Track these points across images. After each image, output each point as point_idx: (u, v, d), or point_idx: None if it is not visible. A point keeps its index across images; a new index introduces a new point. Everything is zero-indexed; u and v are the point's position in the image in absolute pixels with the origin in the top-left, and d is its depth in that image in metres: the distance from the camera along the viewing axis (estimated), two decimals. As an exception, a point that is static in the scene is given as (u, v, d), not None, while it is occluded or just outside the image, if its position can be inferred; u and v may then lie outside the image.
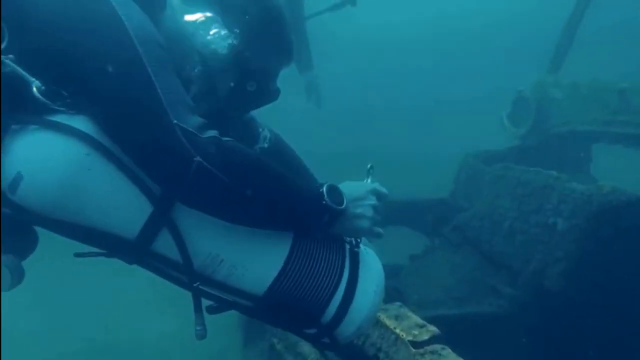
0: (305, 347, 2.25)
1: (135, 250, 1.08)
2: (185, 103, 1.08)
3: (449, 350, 1.60)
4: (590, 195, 2.58)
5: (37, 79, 1.01)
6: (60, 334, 5.04)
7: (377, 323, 1.81)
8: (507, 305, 2.97)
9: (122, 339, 4.98)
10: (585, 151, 3.71)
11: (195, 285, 1.11)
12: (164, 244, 1.07)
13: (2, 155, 1.03)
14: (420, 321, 1.76)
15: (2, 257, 1.07)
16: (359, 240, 1.23)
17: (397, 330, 1.72)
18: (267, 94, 1.31)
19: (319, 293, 1.13)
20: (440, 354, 1.59)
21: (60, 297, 5.50)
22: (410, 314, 1.81)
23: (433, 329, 1.71)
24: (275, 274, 1.11)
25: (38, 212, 1.03)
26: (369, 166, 1.31)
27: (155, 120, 1.02)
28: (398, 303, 1.89)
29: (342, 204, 1.15)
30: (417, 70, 10.18)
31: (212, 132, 1.06)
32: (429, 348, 1.62)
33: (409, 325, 1.74)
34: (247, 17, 1.21)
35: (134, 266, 1.12)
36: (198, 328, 1.18)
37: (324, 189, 1.14)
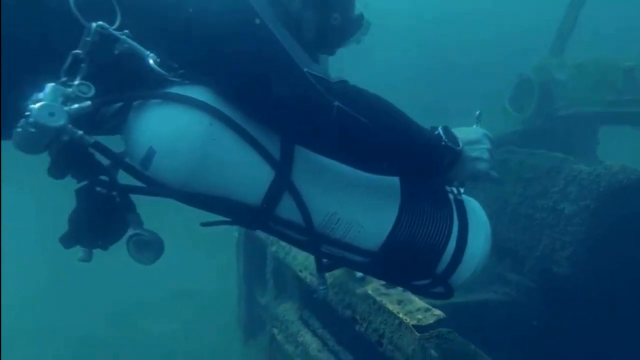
0: (307, 337, 2.17)
1: (259, 215, 1.09)
2: (304, 52, 1.10)
3: (456, 334, 1.52)
4: (599, 175, 2.49)
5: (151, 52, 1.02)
6: (61, 330, 5.00)
7: (380, 308, 1.74)
8: (513, 292, 2.89)
9: (124, 337, 4.94)
10: (592, 134, 3.61)
11: (316, 246, 1.14)
12: (286, 208, 1.09)
13: (129, 131, 1.04)
14: (425, 305, 1.67)
15: (143, 232, 1.09)
16: (461, 189, 1.23)
17: (401, 315, 1.64)
18: (353, 22, 1.31)
19: (433, 243, 1.15)
20: (446, 338, 1.50)
21: (64, 292, 5.46)
22: (413, 297, 1.73)
23: (438, 312, 1.63)
24: (389, 228, 1.14)
25: (170, 185, 1.04)
26: (477, 113, 1.30)
27: (289, 72, 1.04)
28: (400, 288, 1.81)
29: (458, 145, 1.15)
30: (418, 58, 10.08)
31: (337, 77, 1.09)
32: (435, 332, 1.54)
33: (413, 309, 1.66)
34: None
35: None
36: (321, 287, 1.20)
37: (440, 130, 1.14)
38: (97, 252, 1.14)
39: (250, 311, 2.85)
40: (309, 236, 1.12)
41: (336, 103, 1.05)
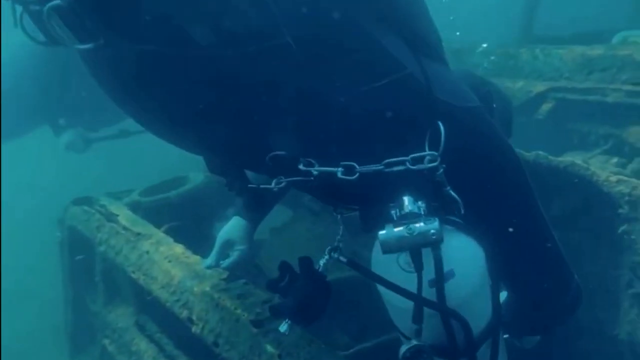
0: (142, 344, 1.93)
1: (470, 348, 1.20)
2: None
3: (294, 326, 1.45)
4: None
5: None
6: None
7: (218, 305, 1.60)
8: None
9: None
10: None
11: None
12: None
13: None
14: (266, 296, 1.58)
15: (421, 343, 1.17)
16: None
17: (238, 311, 1.52)
18: None
19: None
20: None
21: None
22: (255, 290, 1.63)
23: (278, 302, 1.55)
24: None
25: (450, 302, 1.14)
26: None
27: (548, 240, 1.30)
28: (242, 280, 1.70)
29: None
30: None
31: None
32: (272, 326, 1.46)
33: (252, 303, 1.56)
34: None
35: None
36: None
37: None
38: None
39: (78, 319, 2.46)
40: None
41: (576, 277, 1.35)
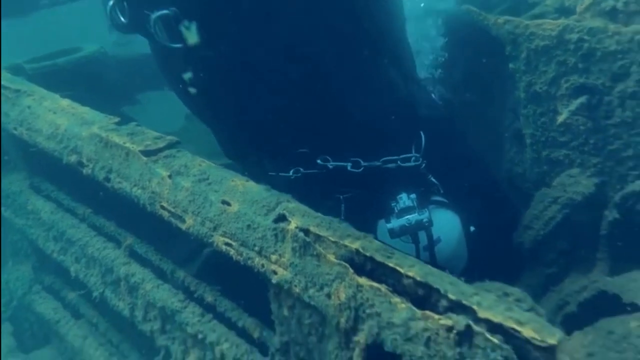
0: (38, 203, 1.86)
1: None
2: None
3: (185, 152, 1.45)
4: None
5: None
6: None
7: (107, 144, 1.54)
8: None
9: None
10: None
11: None
12: None
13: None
14: (157, 134, 1.55)
15: None
16: None
17: (128, 145, 1.48)
18: None
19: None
20: (175, 156, 1.43)
21: None
22: (147, 130, 1.58)
23: (170, 138, 1.53)
24: None
25: (439, 259, 1.67)
26: None
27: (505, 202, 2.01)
28: (134, 123, 1.63)
29: None
30: None
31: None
32: (163, 153, 1.44)
33: (143, 139, 1.52)
34: None
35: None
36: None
37: None
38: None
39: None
40: None
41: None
